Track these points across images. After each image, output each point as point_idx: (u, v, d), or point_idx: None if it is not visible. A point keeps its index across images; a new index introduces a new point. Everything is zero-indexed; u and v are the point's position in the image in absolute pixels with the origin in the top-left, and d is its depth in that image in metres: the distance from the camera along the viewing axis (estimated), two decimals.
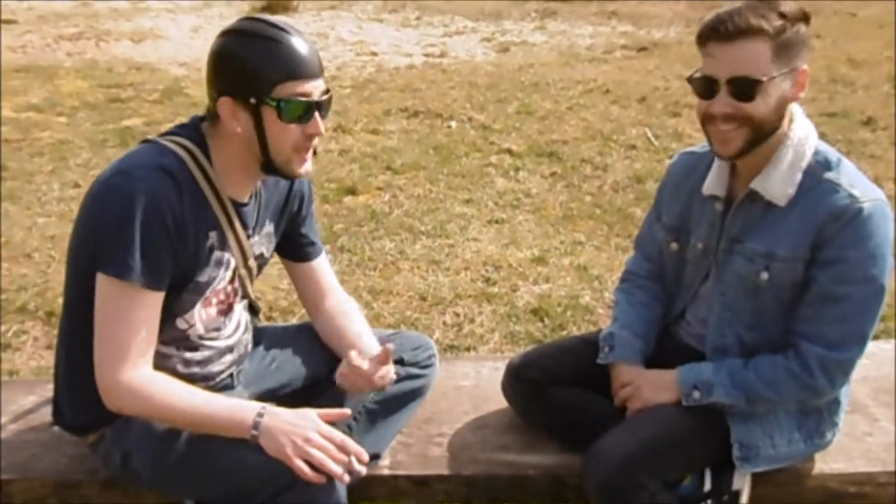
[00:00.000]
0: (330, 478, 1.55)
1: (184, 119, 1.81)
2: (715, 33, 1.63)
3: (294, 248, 1.99)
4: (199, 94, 6.05)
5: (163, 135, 1.73)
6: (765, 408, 1.80)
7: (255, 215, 1.82)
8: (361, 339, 1.90)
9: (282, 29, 1.63)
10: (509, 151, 5.37)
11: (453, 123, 6.00)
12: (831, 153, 1.75)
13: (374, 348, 1.86)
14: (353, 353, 1.78)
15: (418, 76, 7.42)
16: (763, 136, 1.69)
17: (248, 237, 1.81)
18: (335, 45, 8.69)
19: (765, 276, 1.74)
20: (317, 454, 1.55)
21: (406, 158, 5.21)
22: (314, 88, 1.65)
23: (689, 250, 1.93)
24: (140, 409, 1.66)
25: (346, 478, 1.57)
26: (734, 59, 1.63)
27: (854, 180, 1.71)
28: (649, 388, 1.87)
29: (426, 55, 8.35)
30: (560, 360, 2.04)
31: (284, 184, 1.90)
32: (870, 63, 7.41)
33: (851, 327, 1.72)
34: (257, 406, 1.62)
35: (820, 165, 1.73)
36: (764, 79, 1.62)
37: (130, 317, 1.61)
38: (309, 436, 1.56)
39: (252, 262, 1.84)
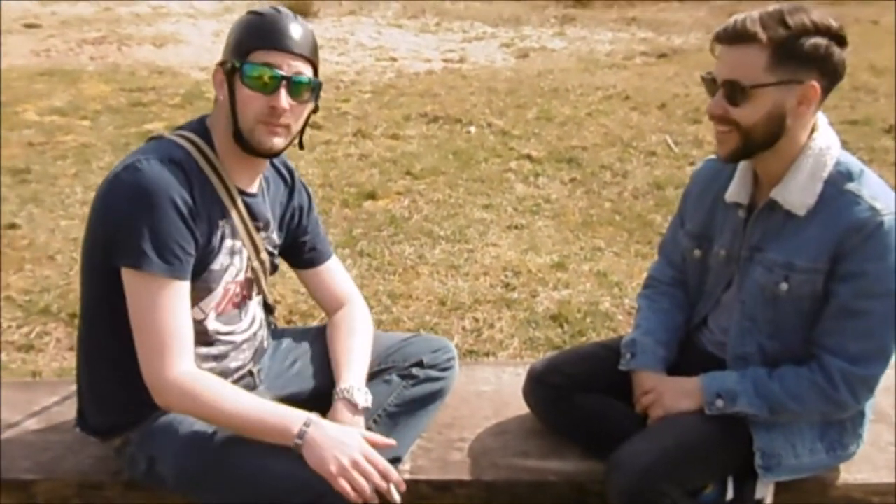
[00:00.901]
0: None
1: None
2: (719, 36, 1.66)
3: (299, 255, 2.01)
4: None
5: (169, 131, 1.77)
6: (788, 418, 1.79)
7: (266, 211, 1.84)
8: (343, 367, 1.88)
9: (277, 10, 1.69)
10: (529, 157, 5.37)
11: (473, 129, 6.00)
12: (854, 164, 1.73)
13: (357, 375, 1.86)
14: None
15: (438, 81, 7.44)
16: (756, 144, 1.69)
17: (258, 230, 1.82)
18: (355, 51, 8.72)
19: (784, 286, 1.73)
20: (359, 479, 1.56)
21: (426, 163, 5.22)
22: (285, 63, 1.66)
23: (711, 257, 1.92)
24: (186, 407, 1.66)
25: (376, 499, 1.59)
26: (729, 63, 1.65)
27: (876, 192, 1.69)
28: (671, 395, 1.86)
29: (445, 61, 8.36)
30: (582, 366, 2.04)
31: (283, 195, 1.92)
32: (892, 71, 7.34)
33: (874, 342, 1.71)
34: (304, 415, 1.63)
35: (842, 176, 1.71)
36: (749, 85, 1.62)
37: (160, 309, 1.61)
38: (355, 457, 1.58)
39: (264, 255, 1.86)
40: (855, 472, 1.92)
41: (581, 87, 7.13)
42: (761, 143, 1.69)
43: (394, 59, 8.39)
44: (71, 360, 2.98)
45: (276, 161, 1.90)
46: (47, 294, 3.52)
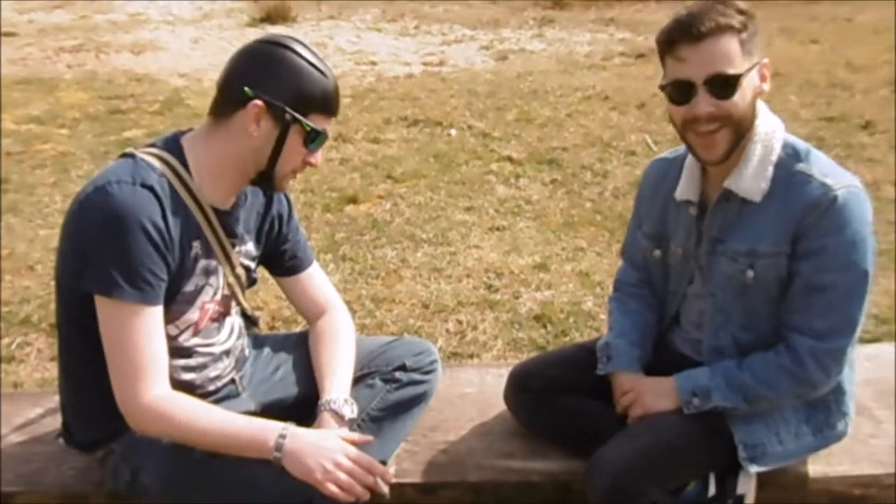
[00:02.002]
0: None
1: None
2: (686, 35, 1.63)
3: (279, 263, 2.00)
4: (199, 105, 6.09)
5: (141, 148, 1.74)
6: (766, 406, 1.81)
7: (239, 225, 1.84)
8: (328, 378, 1.87)
9: (327, 67, 1.71)
10: (509, 159, 5.38)
11: (453, 131, 6.01)
12: (800, 144, 1.77)
13: (342, 386, 1.85)
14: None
15: (418, 85, 7.43)
16: (742, 133, 1.71)
17: (234, 246, 1.82)
18: (334, 55, 8.69)
19: (750, 273, 1.75)
20: (345, 478, 1.57)
21: (407, 167, 5.23)
22: (330, 126, 1.74)
23: (670, 256, 1.94)
24: (162, 430, 1.66)
25: (367, 495, 1.60)
26: (709, 58, 1.63)
27: (826, 169, 1.72)
28: (650, 395, 1.87)
29: (425, 64, 8.36)
30: (561, 369, 2.05)
31: (260, 205, 1.91)
32: (868, 67, 7.42)
33: (839, 316, 1.73)
34: (278, 427, 1.63)
35: (790, 158, 1.74)
36: (737, 74, 1.64)
37: (133, 336, 1.60)
38: (338, 459, 1.59)
39: (240, 270, 1.86)
40: (835, 464, 1.94)
41: (560, 89, 7.14)
42: (746, 130, 1.71)
43: (373, 63, 8.37)
44: (52, 371, 2.96)
45: None
46: (27, 304, 3.50)
